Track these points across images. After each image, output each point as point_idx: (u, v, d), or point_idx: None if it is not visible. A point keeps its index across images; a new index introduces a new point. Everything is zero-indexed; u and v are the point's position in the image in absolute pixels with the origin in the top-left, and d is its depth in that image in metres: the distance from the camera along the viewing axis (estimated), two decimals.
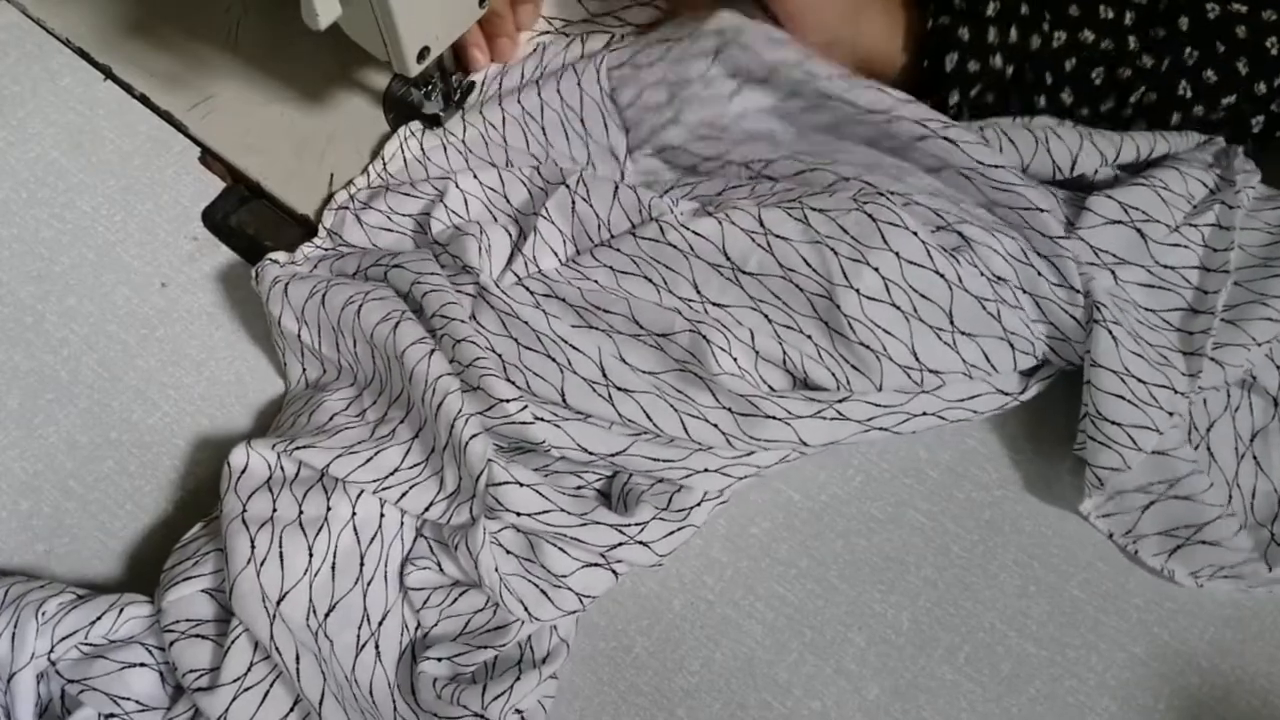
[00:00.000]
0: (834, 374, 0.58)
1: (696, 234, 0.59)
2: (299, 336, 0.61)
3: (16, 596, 0.55)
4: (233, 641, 0.52)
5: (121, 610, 0.55)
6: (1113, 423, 0.57)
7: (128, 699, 0.54)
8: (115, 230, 0.69)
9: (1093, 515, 0.60)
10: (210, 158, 0.70)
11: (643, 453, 0.58)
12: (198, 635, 0.54)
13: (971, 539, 0.60)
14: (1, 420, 0.63)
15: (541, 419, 0.57)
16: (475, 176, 0.64)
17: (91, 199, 0.69)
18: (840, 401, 0.58)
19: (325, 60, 0.70)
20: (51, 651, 0.53)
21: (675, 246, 0.60)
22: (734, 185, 0.64)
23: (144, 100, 0.72)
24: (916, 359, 0.57)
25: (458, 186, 0.64)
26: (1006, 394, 0.60)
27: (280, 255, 0.63)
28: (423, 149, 0.66)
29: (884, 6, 0.66)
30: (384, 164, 0.66)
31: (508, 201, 0.64)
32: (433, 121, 0.66)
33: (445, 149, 0.65)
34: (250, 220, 0.68)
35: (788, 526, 0.61)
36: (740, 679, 0.57)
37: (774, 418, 0.57)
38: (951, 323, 0.58)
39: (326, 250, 0.65)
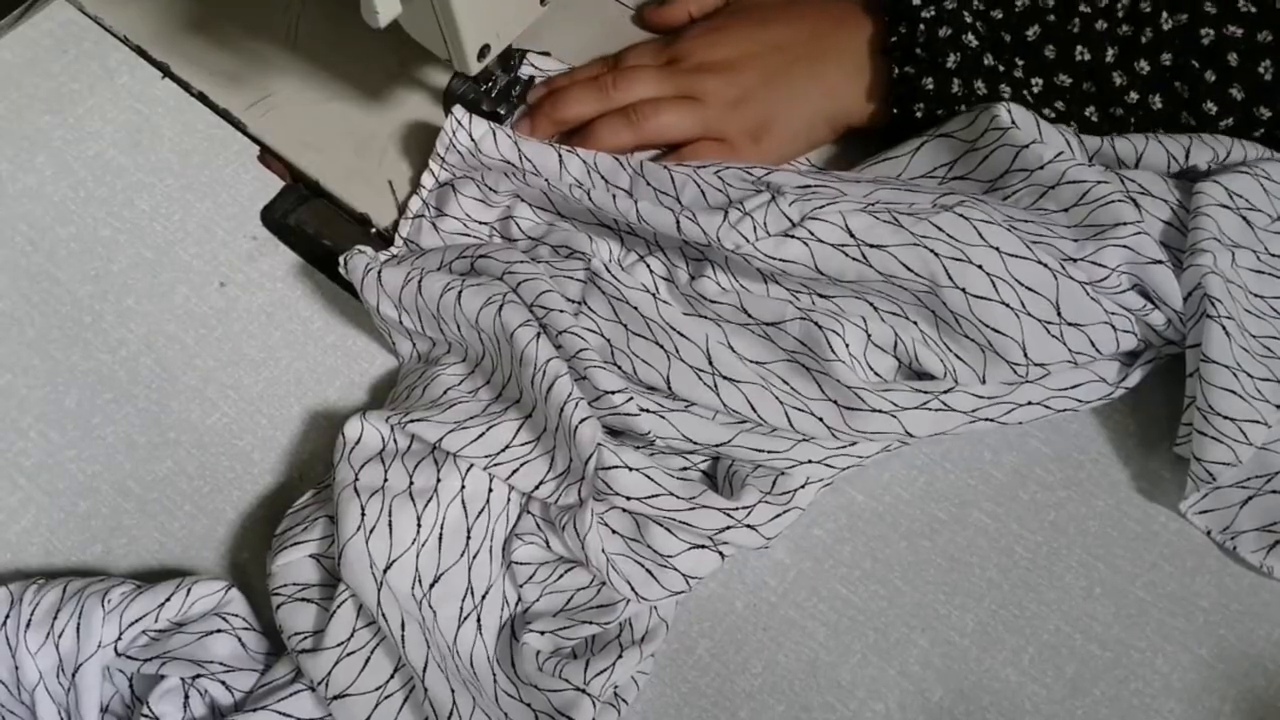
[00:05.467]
0: (942, 360, 0.58)
1: (784, 260, 0.58)
2: (400, 321, 0.62)
3: (78, 589, 0.55)
4: (338, 606, 0.53)
5: (189, 591, 0.55)
6: (1225, 417, 0.57)
7: (212, 661, 0.54)
8: (174, 229, 0.69)
9: (1190, 512, 0.60)
10: (269, 156, 0.70)
11: (747, 443, 0.57)
12: (303, 599, 0.55)
13: (1036, 540, 0.60)
14: (59, 420, 0.63)
15: (647, 410, 0.57)
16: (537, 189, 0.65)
17: (150, 197, 0.70)
18: (945, 393, 0.58)
19: (385, 58, 0.70)
20: (119, 639, 0.54)
21: (764, 273, 0.60)
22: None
23: (202, 98, 0.72)
24: (1025, 355, 0.57)
25: (528, 196, 0.65)
26: (1108, 382, 0.60)
27: (366, 248, 0.63)
28: (473, 139, 0.66)
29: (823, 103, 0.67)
30: (440, 159, 0.65)
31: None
32: (493, 119, 0.66)
33: (495, 136, 0.65)
34: (310, 219, 0.68)
35: (851, 528, 0.60)
36: (803, 681, 0.57)
37: (879, 410, 0.56)
38: (1059, 314, 0.58)
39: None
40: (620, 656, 0.55)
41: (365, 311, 0.65)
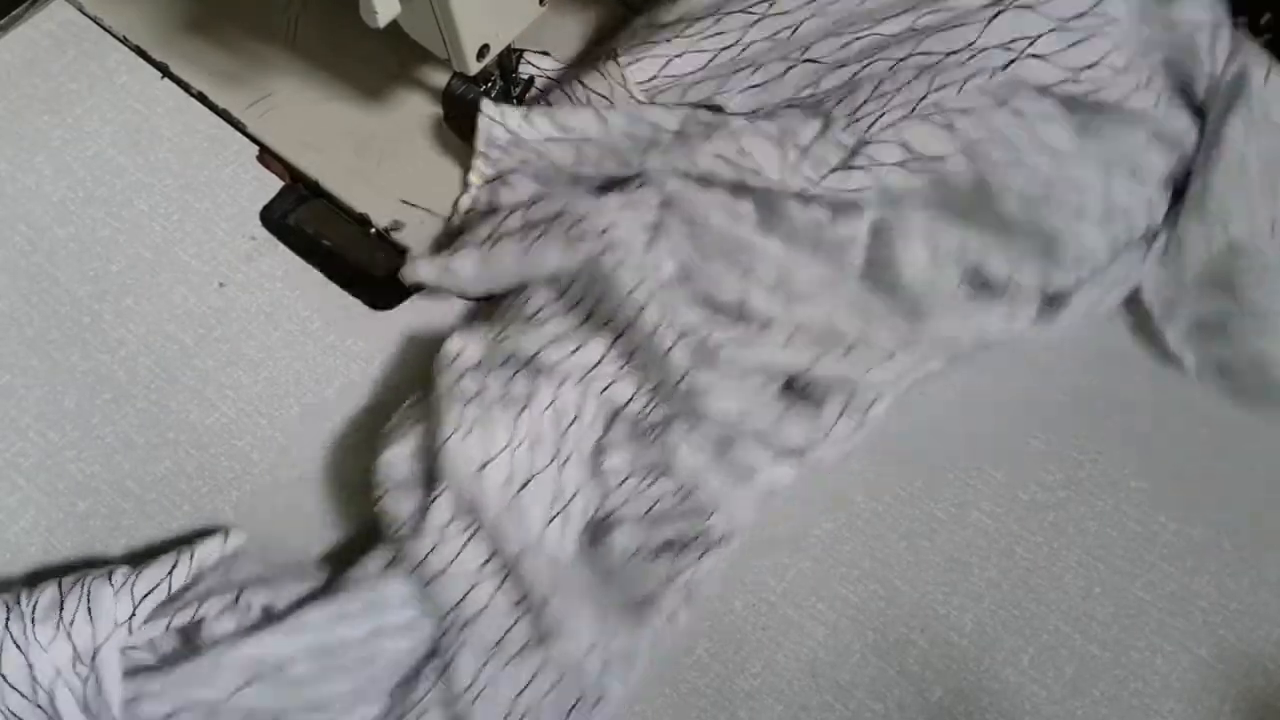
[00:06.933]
0: (1006, 266, 0.62)
1: (853, 190, 0.61)
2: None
3: (76, 579, 0.55)
4: (436, 498, 0.56)
5: (193, 555, 0.57)
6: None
7: (247, 578, 0.57)
8: (173, 229, 0.69)
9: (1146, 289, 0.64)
10: (269, 156, 0.70)
11: (825, 364, 0.60)
12: (404, 491, 0.58)
13: (1035, 540, 0.60)
14: (58, 420, 0.63)
15: (729, 338, 0.60)
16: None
17: (149, 198, 0.69)
18: (1009, 295, 0.61)
19: (385, 58, 0.70)
20: (134, 615, 0.54)
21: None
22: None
23: (201, 98, 0.72)
24: (1080, 253, 0.61)
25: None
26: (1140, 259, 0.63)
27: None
28: (511, 131, 0.66)
29: None
30: (484, 155, 0.66)
31: None
32: None
33: (530, 118, 0.65)
34: (309, 219, 0.68)
35: (850, 527, 0.61)
36: (802, 681, 0.57)
37: (949, 312, 0.60)
38: (1108, 210, 0.62)
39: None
40: (701, 557, 0.57)
41: (363, 312, 0.65)
